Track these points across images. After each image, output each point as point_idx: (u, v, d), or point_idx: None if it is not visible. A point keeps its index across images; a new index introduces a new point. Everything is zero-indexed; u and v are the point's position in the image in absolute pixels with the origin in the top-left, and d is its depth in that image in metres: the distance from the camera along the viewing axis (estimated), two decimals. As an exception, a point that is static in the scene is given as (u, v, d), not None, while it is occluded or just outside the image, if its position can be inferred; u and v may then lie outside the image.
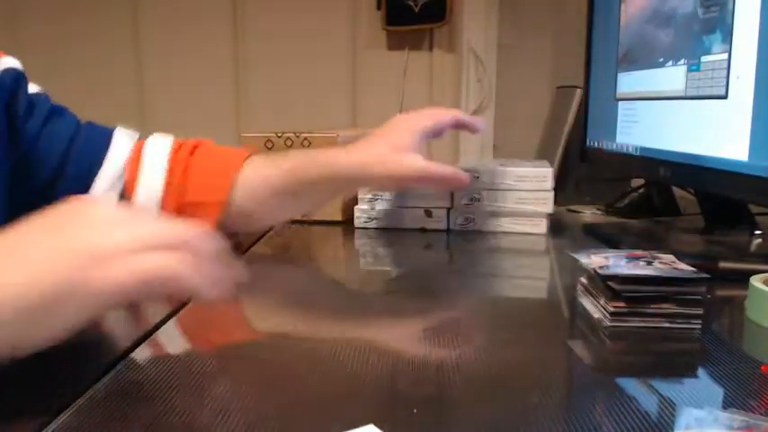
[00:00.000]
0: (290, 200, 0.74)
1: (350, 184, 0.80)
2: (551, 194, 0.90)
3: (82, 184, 0.67)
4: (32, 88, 0.68)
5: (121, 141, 0.71)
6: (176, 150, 0.72)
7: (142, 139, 0.74)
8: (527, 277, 0.77)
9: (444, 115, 0.80)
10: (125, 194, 0.69)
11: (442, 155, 2.11)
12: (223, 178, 0.72)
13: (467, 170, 0.88)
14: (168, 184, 0.70)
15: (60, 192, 0.65)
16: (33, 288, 0.36)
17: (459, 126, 0.82)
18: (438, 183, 0.82)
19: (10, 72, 0.64)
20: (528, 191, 0.89)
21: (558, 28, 1.79)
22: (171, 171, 0.71)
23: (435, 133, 0.79)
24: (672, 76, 0.82)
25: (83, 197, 0.39)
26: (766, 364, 0.47)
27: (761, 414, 0.38)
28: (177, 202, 0.70)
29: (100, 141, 0.70)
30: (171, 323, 0.55)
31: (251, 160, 0.74)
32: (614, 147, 0.99)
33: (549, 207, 0.90)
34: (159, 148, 0.72)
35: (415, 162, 0.74)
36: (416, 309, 0.64)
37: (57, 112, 0.68)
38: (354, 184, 0.82)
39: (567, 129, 1.22)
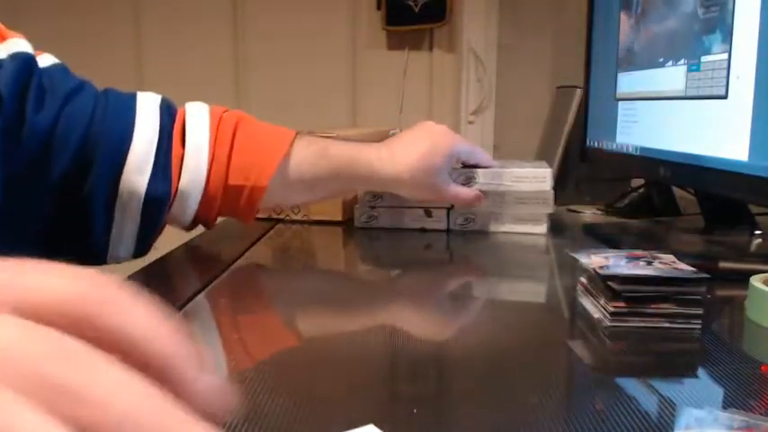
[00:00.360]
0: (324, 189, 0.80)
1: (381, 189, 0.88)
2: (551, 194, 0.89)
3: (114, 163, 0.64)
4: (46, 60, 0.64)
5: (147, 112, 0.68)
6: (217, 126, 0.71)
7: (169, 103, 0.71)
8: (527, 277, 0.77)
9: (481, 155, 0.88)
10: (169, 173, 0.67)
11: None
12: (268, 162, 0.72)
13: (467, 168, 0.88)
14: (212, 165, 0.70)
15: (93, 175, 0.63)
16: None
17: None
18: (460, 204, 0.89)
19: (19, 57, 0.60)
20: (528, 191, 0.89)
21: (558, 28, 1.80)
22: (214, 152, 0.70)
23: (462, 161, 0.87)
24: (672, 76, 0.82)
25: None
26: (766, 364, 0.47)
27: (761, 414, 0.38)
28: (221, 184, 0.70)
29: (123, 116, 0.66)
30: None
31: (295, 145, 0.75)
32: (614, 147, 0.99)
33: (549, 207, 0.90)
34: (201, 124, 0.71)
35: (445, 188, 0.83)
36: (416, 309, 0.64)
37: (74, 89, 0.64)
38: (385, 190, 0.89)
39: (567, 129, 1.22)
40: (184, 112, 0.72)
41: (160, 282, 0.70)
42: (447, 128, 0.85)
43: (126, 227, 0.66)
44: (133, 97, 0.69)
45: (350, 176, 0.78)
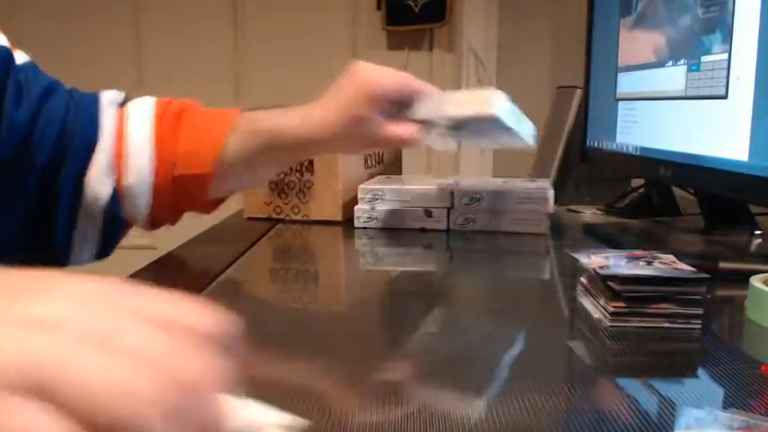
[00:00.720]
0: (263, 166, 0.75)
1: (313, 154, 0.91)
2: (551, 194, 0.90)
3: (80, 164, 0.64)
4: (19, 58, 0.63)
5: (109, 113, 0.67)
6: (161, 118, 0.69)
7: (123, 104, 0.69)
8: (527, 277, 0.77)
9: (415, 86, 0.76)
10: (115, 175, 0.65)
11: (441, 162, 2.11)
12: (210, 148, 0.69)
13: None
14: (157, 159, 0.67)
15: (63, 175, 0.62)
16: None
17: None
18: (398, 145, 0.90)
19: None
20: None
21: (558, 28, 1.79)
22: (158, 144, 0.67)
23: (397, 100, 0.75)
24: (672, 76, 0.82)
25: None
26: (766, 364, 0.47)
27: (761, 414, 0.38)
28: (168, 176, 0.68)
29: (90, 117, 0.65)
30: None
31: (233, 128, 0.71)
32: (614, 147, 0.99)
33: (548, 207, 0.90)
34: (142, 119, 0.68)
35: (377, 135, 0.74)
36: (416, 309, 0.64)
37: (48, 88, 0.64)
38: (318, 154, 0.90)
39: (567, 129, 1.22)
40: (127, 109, 0.69)
41: (159, 282, 0.70)
42: (373, 67, 0.76)
43: (89, 230, 0.66)
44: (96, 99, 0.68)
45: (279, 148, 0.73)
